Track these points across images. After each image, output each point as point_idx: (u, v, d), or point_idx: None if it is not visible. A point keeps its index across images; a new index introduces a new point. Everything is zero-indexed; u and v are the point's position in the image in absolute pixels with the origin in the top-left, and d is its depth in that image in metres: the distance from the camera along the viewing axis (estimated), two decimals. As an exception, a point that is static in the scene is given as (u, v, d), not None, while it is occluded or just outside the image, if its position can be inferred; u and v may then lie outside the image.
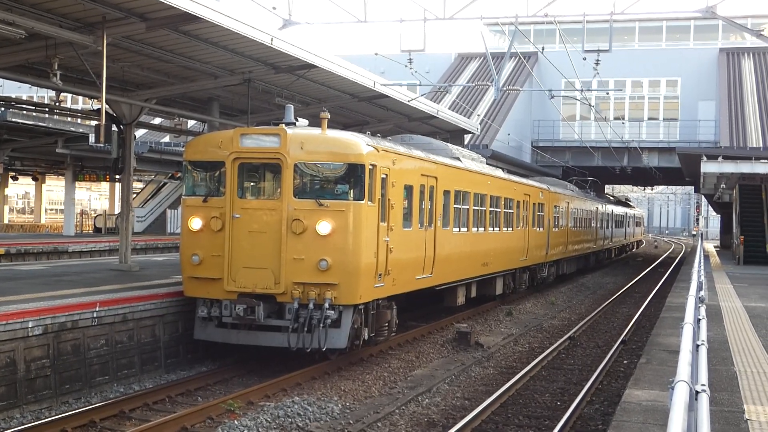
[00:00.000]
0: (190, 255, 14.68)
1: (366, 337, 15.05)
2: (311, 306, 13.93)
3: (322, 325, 13.87)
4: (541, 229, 29.59)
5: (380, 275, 15.02)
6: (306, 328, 13.91)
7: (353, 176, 14.27)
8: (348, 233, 14.10)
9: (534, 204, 28.38)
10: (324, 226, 14.03)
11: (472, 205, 21.07)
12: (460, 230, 20.16)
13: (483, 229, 22.29)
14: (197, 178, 15.24)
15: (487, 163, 25.33)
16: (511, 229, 25.33)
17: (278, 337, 14.22)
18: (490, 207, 22.89)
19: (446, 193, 18.97)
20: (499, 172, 25.39)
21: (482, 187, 22.09)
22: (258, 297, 14.20)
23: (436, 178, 18.11)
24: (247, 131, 14.92)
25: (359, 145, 14.47)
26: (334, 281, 13.99)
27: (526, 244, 27.23)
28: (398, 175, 15.81)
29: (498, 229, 23.81)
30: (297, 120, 15.44)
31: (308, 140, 14.41)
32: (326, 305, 13.87)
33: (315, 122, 15.42)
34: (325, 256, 13.97)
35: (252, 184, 15.05)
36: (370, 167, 14.47)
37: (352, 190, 14.24)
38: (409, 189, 16.59)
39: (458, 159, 20.82)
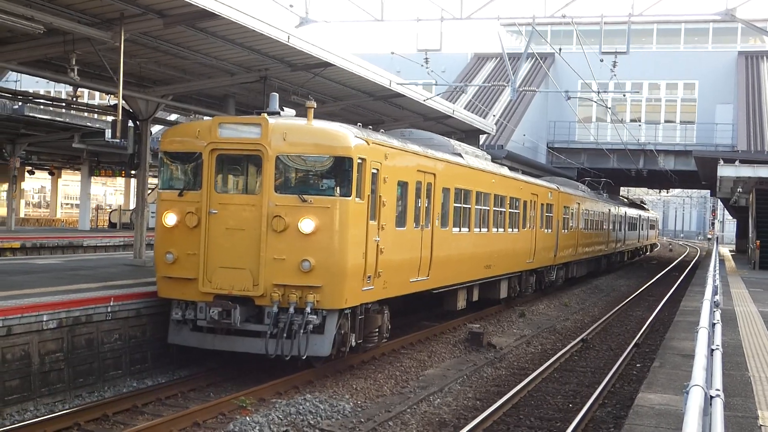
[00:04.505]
0: (163, 253, 13.80)
1: (353, 344, 14.16)
2: (291, 310, 13.01)
3: (303, 330, 12.97)
4: (550, 230, 28.78)
5: (369, 277, 14.05)
6: (286, 334, 13.01)
7: (340, 170, 13.30)
8: (333, 232, 13.15)
9: (542, 204, 27.50)
10: (307, 224, 13.10)
11: (474, 204, 20.03)
12: (460, 230, 19.20)
13: (486, 229, 21.34)
14: (173, 170, 14.26)
15: (496, 162, 24.91)
16: (516, 230, 24.42)
17: (257, 342, 13.29)
18: (494, 206, 21.90)
19: (445, 190, 18.02)
20: (505, 170, 24.34)
21: (486, 185, 21.09)
22: (235, 299, 13.31)
23: (434, 174, 17.16)
24: (226, 120, 14.12)
25: (347, 136, 13.51)
26: (318, 283, 13.05)
27: (533, 245, 26.35)
28: (391, 170, 14.85)
29: (502, 229, 22.88)
30: (283, 109, 14.58)
31: (291, 131, 13.47)
32: (308, 309, 12.97)
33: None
34: (307, 257, 13.04)
35: (231, 177, 14.09)
36: (359, 161, 13.50)
37: (338, 186, 13.26)
38: (403, 186, 15.61)
39: (460, 155, 19.76)
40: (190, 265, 13.60)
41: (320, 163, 13.41)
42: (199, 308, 13.58)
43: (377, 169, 14.26)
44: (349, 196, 13.32)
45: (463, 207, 19.39)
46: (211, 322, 13.38)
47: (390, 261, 14.89)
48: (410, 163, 16.05)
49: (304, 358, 13.23)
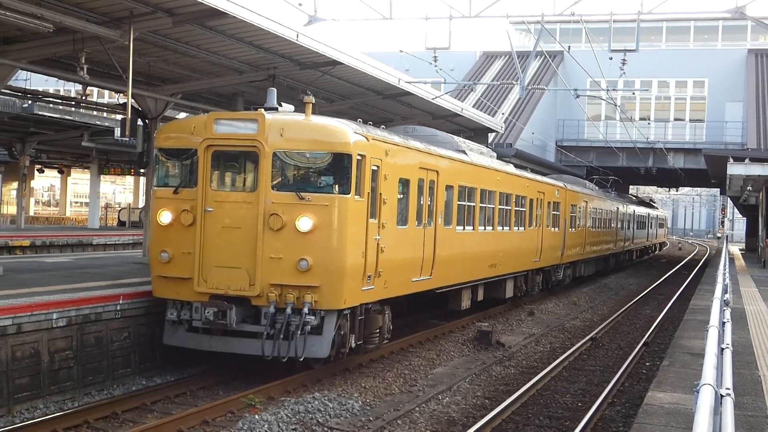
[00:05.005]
0: (158, 252, 13.50)
1: (353, 345, 13.86)
2: (289, 310, 12.69)
3: (300, 332, 12.65)
4: (557, 229, 28.36)
5: (369, 277, 13.73)
6: (282, 335, 12.71)
7: (339, 167, 12.95)
8: (332, 230, 12.82)
9: (549, 202, 27.10)
10: (305, 222, 12.76)
11: (478, 202, 19.65)
12: (464, 229, 18.79)
13: (491, 227, 20.93)
14: (168, 167, 13.98)
15: (504, 160, 24.65)
16: (522, 228, 24.01)
17: (254, 344, 12.98)
18: (499, 204, 21.51)
19: (449, 188, 17.65)
20: (511, 168, 23.83)
21: (490, 183, 20.69)
22: (231, 299, 13.01)
23: (437, 171, 16.79)
24: (222, 116, 13.75)
25: (346, 132, 13.15)
26: (315, 283, 12.71)
27: (540, 244, 25.97)
28: (392, 167, 14.49)
29: (508, 228, 22.48)
30: (281, 104, 14.31)
31: (289, 126, 13.13)
32: (305, 310, 12.65)
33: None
34: (305, 256, 12.71)
35: (227, 174, 13.84)
36: (359, 158, 13.18)
37: (337, 183, 12.94)
38: (405, 183, 15.27)
39: (464, 152, 19.38)
40: (185, 265, 13.32)
41: (318, 159, 13.08)
42: (195, 308, 13.26)
43: (377, 166, 13.95)
44: (348, 194, 13.02)
45: (467, 205, 19.03)
46: (207, 323, 13.08)
47: (391, 260, 14.56)
48: (412, 160, 15.71)
49: (301, 359, 12.98)
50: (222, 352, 13.64)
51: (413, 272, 16.00)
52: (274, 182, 13.07)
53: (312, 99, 13.62)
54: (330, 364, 14.05)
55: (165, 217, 13.54)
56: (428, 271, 16.64)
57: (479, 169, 19.94)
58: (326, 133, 13.17)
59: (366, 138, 13.63)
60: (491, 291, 22.41)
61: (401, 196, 15.17)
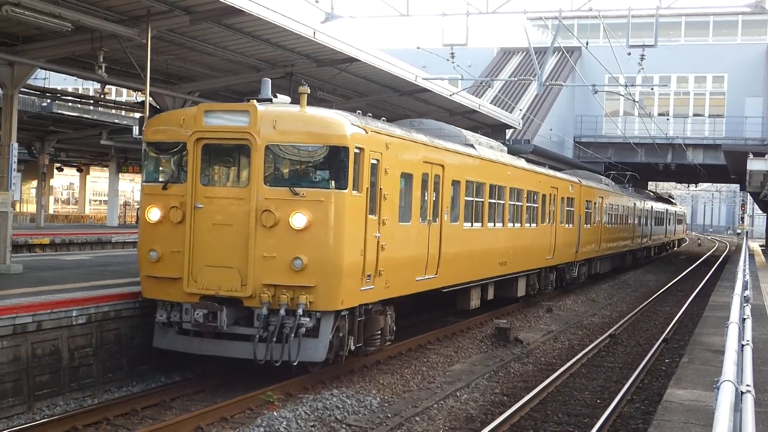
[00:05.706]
0: (147, 251, 12.90)
1: (352, 348, 13.22)
2: (282, 312, 12.11)
3: (294, 334, 12.11)
4: (571, 225, 27.72)
5: (369, 276, 13.09)
6: (276, 338, 12.15)
7: (335, 161, 12.31)
8: (327, 227, 12.20)
9: (563, 198, 26.53)
10: (299, 219, 12.13)
11: (487, 197, 19.04)
12: (472, 225, 18.13)
13: (501, 224, 20.26)
14: (157, 161, 13.33)
15: (518, 156, 24.31)
16: (535, 224, 23.37)
17: (246, 347, 12.44)
18: (510, 200, 20.87)
19: (455, 183, 16.99)
20: (522, 162, 23.04)
21: (500, 177, 20.04)
22: (222, 300, 12.42)
23: (442, 166, 16.11)
24: (212, 107, 13.12)
25: (342, 124, 12.50)
26: (310, 283, 12.10)
27: (553, 241, 25.31)
28: (393, 161, 13.83)
29: (519, 224, 21.79)
30: (276, 96, 13.71)
31: (282, 118, 12.50)
32: (299, 311, 12.08)
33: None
34: (299, 254, 12.09)
35: (217, 169, 13.18)
36: (356, 151, 12.54)
37: (333, 178, 12.30)
38: (407, 178, 14.62)
39: (471, 146, 18.65)
40: (174, 264, 12.72)
41: (314, 153, 12.44)
42: (185, 310, 12.66)
43: (377, 160, 13.29)
44: (345, 189, 12.38)
45: (475, 201, 18.40)
46: (197, 325, 12.49)
47: (392, 258, 13.94)
48: (415, 153, 15.07)
49: (295, 363, 12.41)
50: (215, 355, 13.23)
51: (417, 271, 15.41)
52: (267, 177, 12.46)
53: (307, 89, 13.01)
54: (329, 366, 13.59)
55: (153, 214, 12.97)
56: (434, 269, 16.05)
57: (488, 164, 19.38)
58: (322, 125, 12.57)
59: (364, 130, 13.02)
60: (502, 289, 21.82)
61: (403, 191, 14.58)
